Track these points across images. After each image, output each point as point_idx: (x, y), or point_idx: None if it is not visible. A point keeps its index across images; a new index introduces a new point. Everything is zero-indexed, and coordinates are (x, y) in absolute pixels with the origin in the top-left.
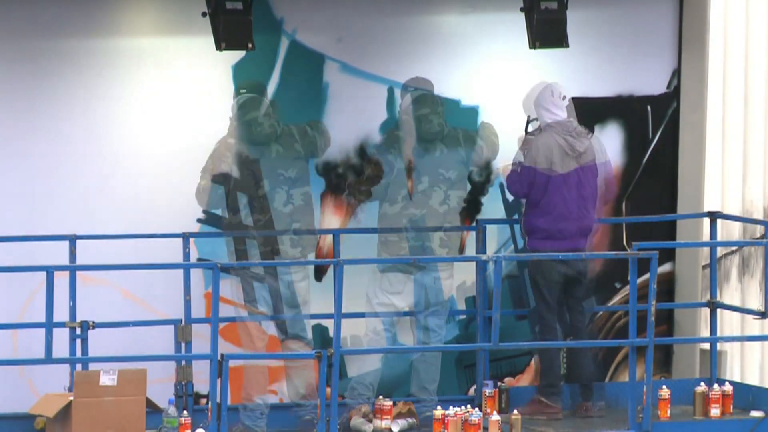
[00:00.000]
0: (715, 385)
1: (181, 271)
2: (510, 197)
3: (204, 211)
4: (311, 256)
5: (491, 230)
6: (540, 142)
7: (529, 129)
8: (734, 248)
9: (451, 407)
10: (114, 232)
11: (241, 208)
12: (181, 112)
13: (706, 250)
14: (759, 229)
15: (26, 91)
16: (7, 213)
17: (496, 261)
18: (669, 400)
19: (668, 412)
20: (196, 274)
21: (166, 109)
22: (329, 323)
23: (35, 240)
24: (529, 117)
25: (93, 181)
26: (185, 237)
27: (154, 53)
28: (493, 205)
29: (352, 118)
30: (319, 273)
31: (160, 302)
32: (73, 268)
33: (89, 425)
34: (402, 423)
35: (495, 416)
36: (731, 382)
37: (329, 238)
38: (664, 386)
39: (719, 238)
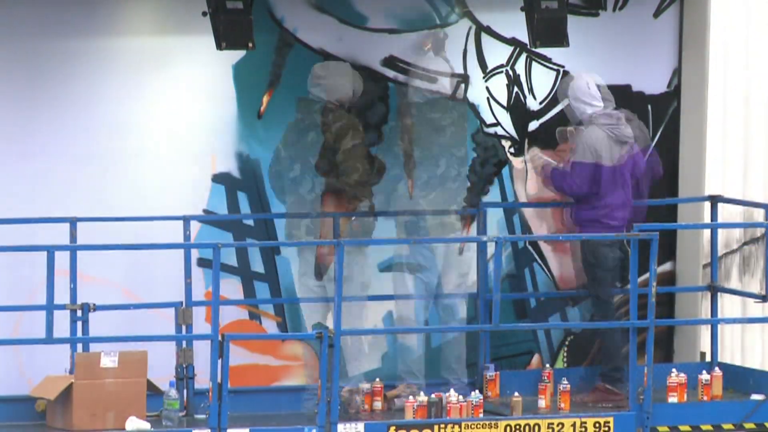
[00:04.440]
0: (716, 369)
1: (181, 271)
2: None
3: (204, 210)
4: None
5: (492, 226)
6: (585, 137)
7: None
8: (735, 247)
9: (452, 389)
10: (113, 232)
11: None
12: (182, 112)
13: (707, 249)
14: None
15: (27, 92)
16: (5, 214)
17: (496, 242)
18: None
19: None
20: (197, 274)
21: (167, 109)
22: None
23: (35, 222)
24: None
25: (93, 181)
26: (185, 219)
27: (155, 53)
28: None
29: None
30: (319, 273)
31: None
32: (73, 248)
33: (90, 407)
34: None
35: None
36: (730, 366)
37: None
38: (674, 370)
39: (720, 236)
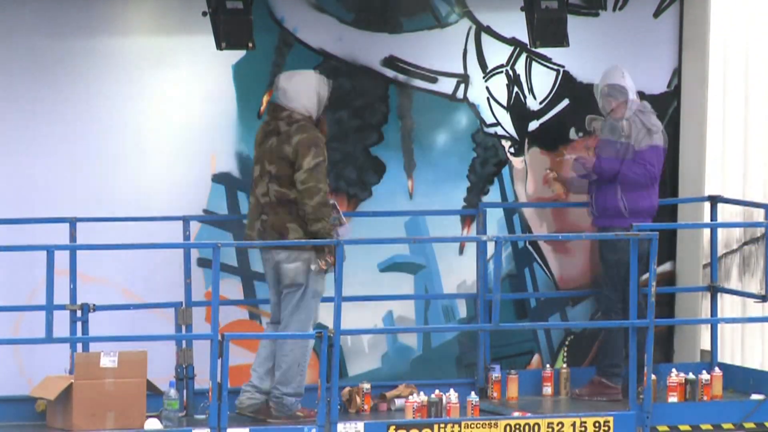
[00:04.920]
0: (716, 369)
1: (181, 271)
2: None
3: (204, 210)
4: None
5: (491, 226)
6: (641, 122)
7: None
8: (735, 247)
9: (452, 389)
10: (113, 231)
11: None
12: (182, 112)
13: (707, 249)
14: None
15: (26, 91)
16: (6, 214)
17: (496, 241)
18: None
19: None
20: (197, 274)
21: (167, 109)
22: None
23: (35, 222)
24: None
25: (93, 181)
26: (186, 219)
27: (155, 53)
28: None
29: (354, 116)
30: None
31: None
32: (73, 248)
33: (90, 407)
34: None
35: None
36: (730, 366)
37: None
38: (674, 369)
39: (720, 236)
